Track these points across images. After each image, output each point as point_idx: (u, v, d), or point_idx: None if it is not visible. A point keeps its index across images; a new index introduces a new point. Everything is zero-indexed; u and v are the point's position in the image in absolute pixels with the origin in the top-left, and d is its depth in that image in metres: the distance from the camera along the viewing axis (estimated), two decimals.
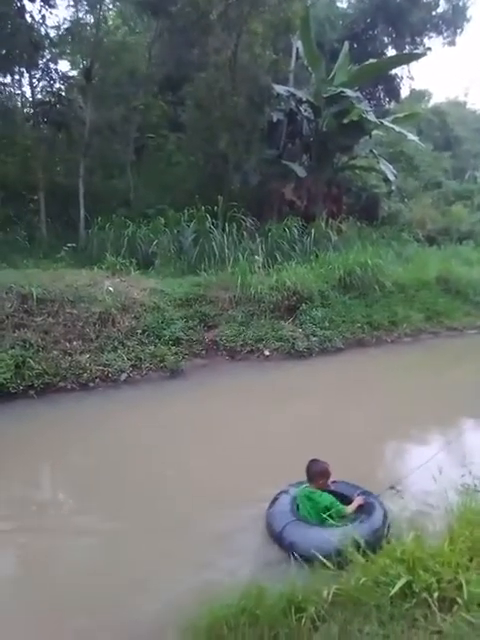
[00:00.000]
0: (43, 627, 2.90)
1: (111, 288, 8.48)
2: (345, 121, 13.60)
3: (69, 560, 3.51)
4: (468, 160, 22.07)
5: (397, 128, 13.64)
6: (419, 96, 23.92)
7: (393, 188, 15.22)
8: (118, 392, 7.03)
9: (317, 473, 3.73)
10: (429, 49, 19.11)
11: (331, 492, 3.78)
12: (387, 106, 21.30)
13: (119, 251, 10.45)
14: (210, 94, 12.34)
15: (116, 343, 7.73)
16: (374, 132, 14.23)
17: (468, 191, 19.65)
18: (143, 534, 3.73)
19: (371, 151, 14.40)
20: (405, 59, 15.81)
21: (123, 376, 7.35)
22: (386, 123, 13.27)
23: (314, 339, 8.93)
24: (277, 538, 3.46)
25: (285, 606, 2.17)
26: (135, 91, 13.55)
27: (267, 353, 8.63)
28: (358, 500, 3.70)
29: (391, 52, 19.12)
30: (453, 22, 20.82)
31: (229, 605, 2.24)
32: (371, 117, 12.67)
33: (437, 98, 24.32)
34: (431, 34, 20.91)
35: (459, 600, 2.17)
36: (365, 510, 3.58)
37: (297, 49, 13.94)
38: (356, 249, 11.15)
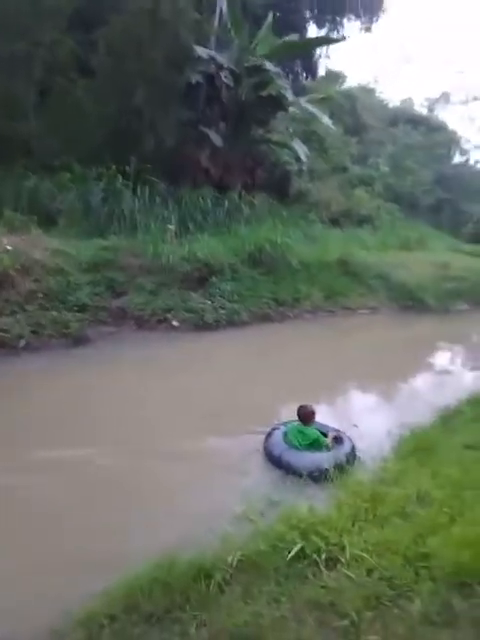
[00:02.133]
0: None
1: (9, 246, 7.89)
2: (263, 94, 13.65)
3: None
4: (372, 147, 23.31)
5: (311, 108, 14.00)
6: (334, 77, 24.46)
7: (304, 168, 15.69)
8: (16, 359, 6.69)
9: (308, 413, 4.66)
10: (344, 38, 19.71)
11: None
12: (304, 82, 21.67)
13: (18, 205, 9.63)
14: (126, 42, 11.56)
15: (14, 307, 7.31)
16: (290, 109, 14.44)
17: (370, 177, 20.82)
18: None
19: (287, 128, 14.64)
20: (324, 42, 16.20)
21: (22, 342, 6.98)
22: (302, 103, 13.54)
23: (222, 312, 9.15)
24: (276, 462, 4.38)
25: (195, 574, 2.39)
26: (40, 23, 12.15)
27: (176, 323, 8.70)
28: (333, 434, 4.66)
29: (312, 27, 19.46)
30: (371, 9, 21.75)
31: (142, 575, 2.40)
32: (289, 94, 12.84)
33: (350, 81, 24.96)
34: (351, 16, 21.64)
35: (342, 559, 2.56)
36: (339, 441, 4.60)
37: (221, 10, 13.52)
38: (267, 226, 11.44)
